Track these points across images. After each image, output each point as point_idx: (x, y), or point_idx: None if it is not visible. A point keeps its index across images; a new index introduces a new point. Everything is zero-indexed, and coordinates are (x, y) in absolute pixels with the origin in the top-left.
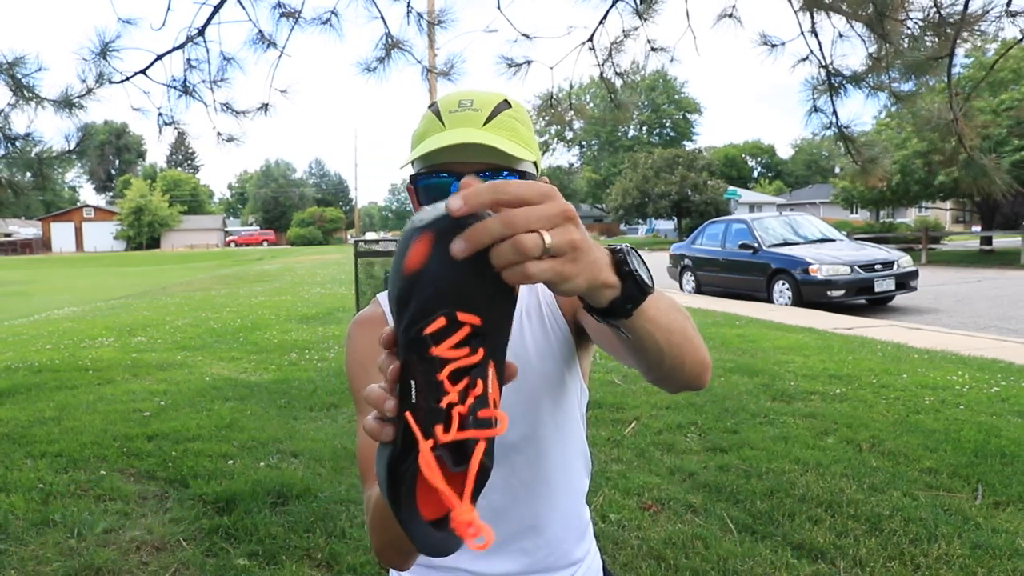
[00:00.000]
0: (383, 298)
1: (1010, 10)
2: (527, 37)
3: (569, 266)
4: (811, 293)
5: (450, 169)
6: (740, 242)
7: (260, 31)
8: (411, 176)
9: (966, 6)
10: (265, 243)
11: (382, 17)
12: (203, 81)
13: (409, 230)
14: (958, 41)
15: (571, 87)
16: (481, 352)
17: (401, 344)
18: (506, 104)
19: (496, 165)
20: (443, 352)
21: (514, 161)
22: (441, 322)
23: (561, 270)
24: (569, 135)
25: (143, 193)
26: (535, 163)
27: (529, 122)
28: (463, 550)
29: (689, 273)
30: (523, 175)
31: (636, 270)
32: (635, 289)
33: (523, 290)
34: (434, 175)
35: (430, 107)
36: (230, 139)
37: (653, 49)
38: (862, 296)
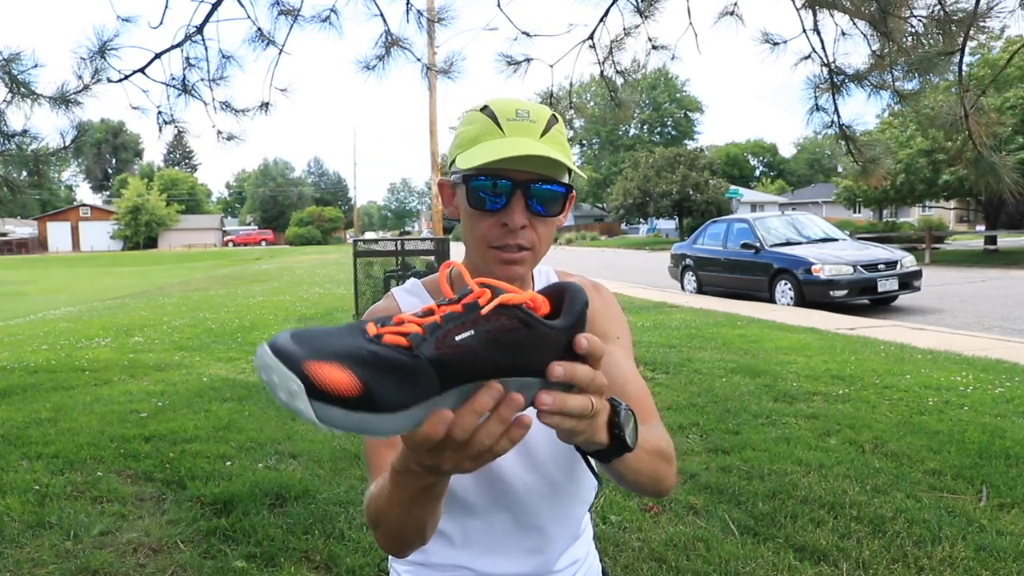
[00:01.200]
0: (399, 292)
1: None
2: (527, 35)
3: (581, 424)
4: (814, 293)
5: (507, 176)
6: (742, 242)
7: (259, 29)
8: (463, 175)
9: (977, 1)
10: (263, 243)
11: (381, 15)
12: (202, 79)
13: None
14: (969, 36)
15: (571, 85)
16: None
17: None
18: (555, 119)
19: (547, 176)
20: None
21: (562, 174)
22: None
23: (575, 427)
24: (570, 134)
25: (140, 192)
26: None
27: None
28: (465, 549)
29: (691, 273)
30: (568, 188)
31: (622, 433)
32: (618, 447)
33: None
34: (491, 178)
35: (482, 110)
36: (230, 137)
37: (654, 47)
38: (865, 296)
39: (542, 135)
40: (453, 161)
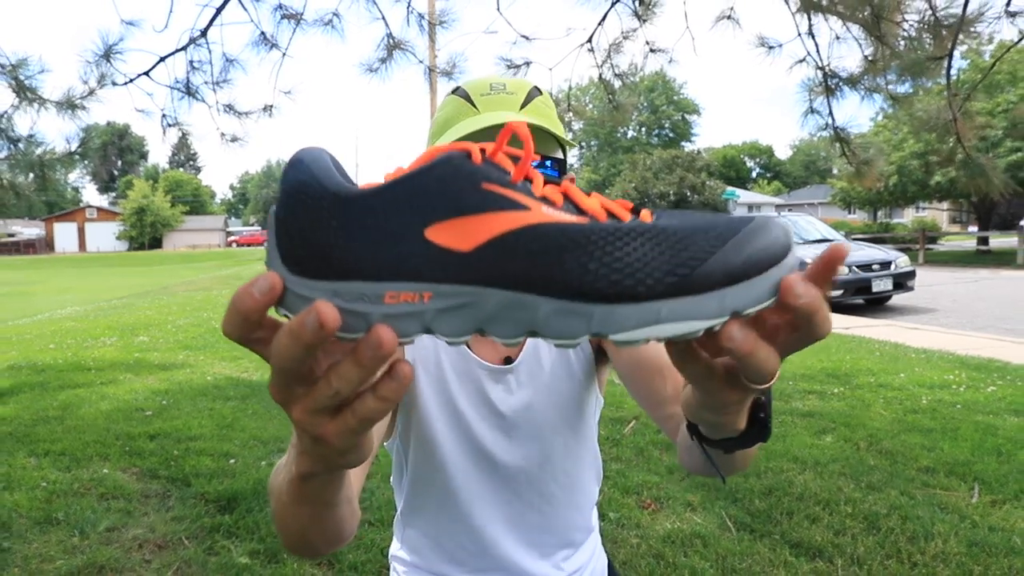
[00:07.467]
0: None
1: (1009, 10)
2: (526, 38)
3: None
4: None
5: None
6: None
7: (262, 32)
8: None
9: (965, 6)
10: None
11: (383, 18)
12: (206, 82)
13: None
14: (956, 42)
15: (570, 88)
16: None
17: None
18: (537, 90)
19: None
20: None
21: (552, 148)
22: None
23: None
24: (568, 136)
25: (145, 194)
26: (563, 150)
27: (556, 112)
28: (465, 558)
29: None
30: (560, 164)
31: (767, 416)
32: (756, 435)
33: None
34: None
35: (455, 92)
36: (234, 139)
37: (652, 50)
38: (860, 296)
39: (522, 106)
40: None
